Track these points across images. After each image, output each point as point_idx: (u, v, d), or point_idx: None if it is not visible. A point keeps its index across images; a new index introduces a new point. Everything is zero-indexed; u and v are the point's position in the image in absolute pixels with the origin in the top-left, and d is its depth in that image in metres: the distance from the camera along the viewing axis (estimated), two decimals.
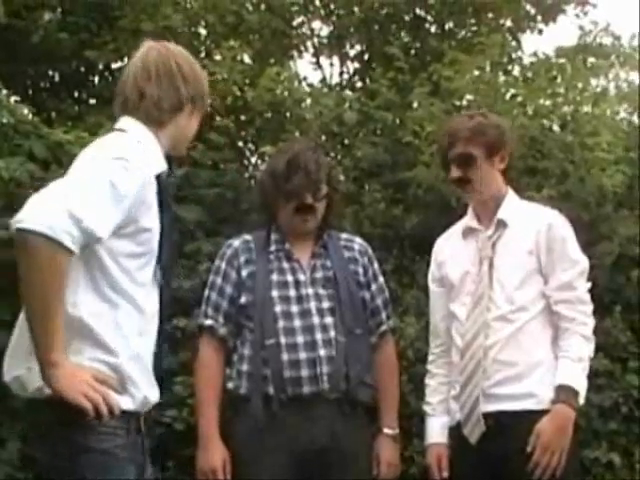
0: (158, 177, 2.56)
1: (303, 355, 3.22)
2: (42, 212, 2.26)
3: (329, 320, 3.28)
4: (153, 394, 2.60)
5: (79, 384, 2.33)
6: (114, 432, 2.42)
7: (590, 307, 3.32)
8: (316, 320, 3.27)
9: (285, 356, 3.22)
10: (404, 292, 4.77)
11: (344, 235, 3.59)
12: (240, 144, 6.14)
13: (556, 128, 5.82)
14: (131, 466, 2.46)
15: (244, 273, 3.38)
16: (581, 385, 3.22)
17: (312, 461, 3.21)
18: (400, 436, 3.66)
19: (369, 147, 5.55)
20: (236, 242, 3.46)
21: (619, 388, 4.68)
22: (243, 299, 3.35)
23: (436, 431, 3.42)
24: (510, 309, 3.27)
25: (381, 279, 3.57)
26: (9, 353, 2.52)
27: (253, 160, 6.13)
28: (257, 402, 3.24)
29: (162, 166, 2.61)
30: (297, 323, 3.26)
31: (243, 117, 5.98)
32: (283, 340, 3.23)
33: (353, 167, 5.38)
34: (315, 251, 3.40)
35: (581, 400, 3.21)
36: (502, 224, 3.37)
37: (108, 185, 2.36)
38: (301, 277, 3.35)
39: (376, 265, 3.56)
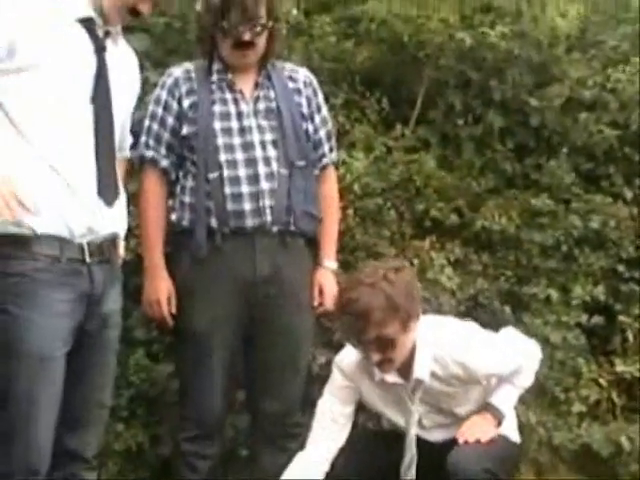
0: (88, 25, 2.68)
1: (246, 189, 3.19)
2: None
3: (272, 153, 3.23)
4: (89, 221, 2.64)
5: None
6: (32, 257, 2.56)
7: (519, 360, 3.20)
8: (259, 153, 3.22)
9: (228, 189, 3.19)
10: (353, 127, 4.75)
11: (289, 65, 3.48)
12: None
13: None
14: (57, 289, 2.59)
15: (186, 103, 3.27)
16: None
17: (254, 292, 3.23)
18: (343, 269, 3.71)
19: None
20: (177, 71, 3.34)
21: (561, 227, 4.76)
22: (185, 130, 3.26)
23: None
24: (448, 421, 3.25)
25: (324, 111, 3.48)
26: None
27: None
28: (201, 234, 3.22)
29: (80, 14, 2.67)
30: (239, 156, 3.21)
31: None
32: (226, 173, 3.19)
33: None
34: (258, 82, 3.32)
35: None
36: (419, 382, 3.13)
37: None
38: (244, 108, 3.27)
39: (320, 97, 3.46)
